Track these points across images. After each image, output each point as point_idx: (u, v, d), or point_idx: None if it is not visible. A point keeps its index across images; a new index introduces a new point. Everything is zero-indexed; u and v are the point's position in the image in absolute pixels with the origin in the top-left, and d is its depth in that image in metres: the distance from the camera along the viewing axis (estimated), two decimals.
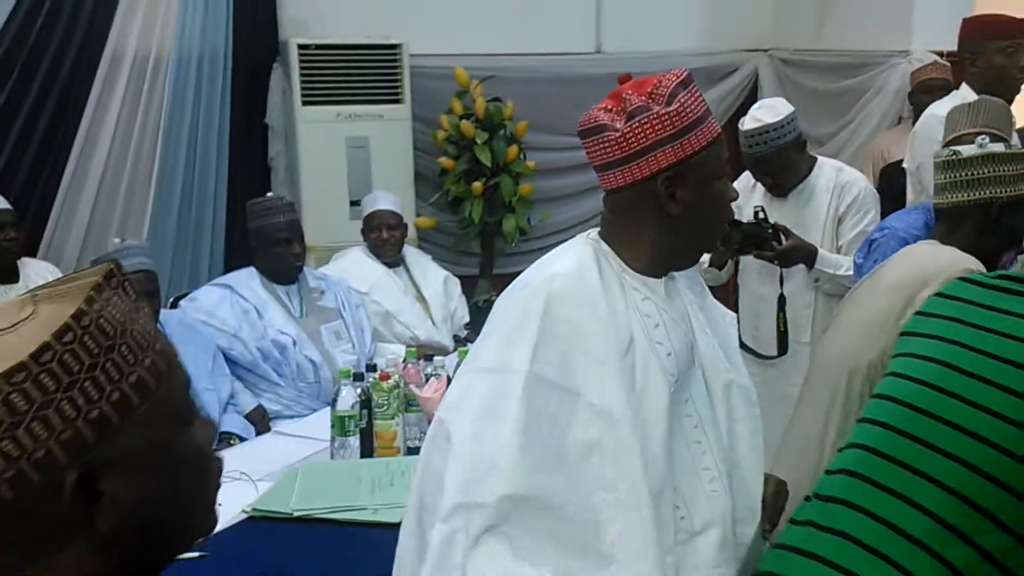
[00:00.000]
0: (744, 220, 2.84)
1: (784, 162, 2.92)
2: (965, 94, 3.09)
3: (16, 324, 0.73)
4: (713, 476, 1.45)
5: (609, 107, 1.41)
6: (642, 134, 1.37)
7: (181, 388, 0.82)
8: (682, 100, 1.38)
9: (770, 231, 2.82)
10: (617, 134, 1.38)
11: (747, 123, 2.87)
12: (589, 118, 1.42)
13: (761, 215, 2.83)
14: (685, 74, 1.40)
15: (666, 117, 1.37)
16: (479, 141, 4.49)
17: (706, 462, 1.45)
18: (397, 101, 4.44)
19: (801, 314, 2.97)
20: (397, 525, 2.14)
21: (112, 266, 0.81)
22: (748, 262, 3.06)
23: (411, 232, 4.10)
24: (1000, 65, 3.13)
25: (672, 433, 1.39)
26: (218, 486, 0.88)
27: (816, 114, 4.72)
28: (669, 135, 1.37)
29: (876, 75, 4.45)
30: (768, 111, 2.89)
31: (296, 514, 2.23)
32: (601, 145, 1.40)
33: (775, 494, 1.57)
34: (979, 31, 3.21)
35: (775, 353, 2.93)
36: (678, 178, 1.39)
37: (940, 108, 2.97)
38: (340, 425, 2.51)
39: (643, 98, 1.38)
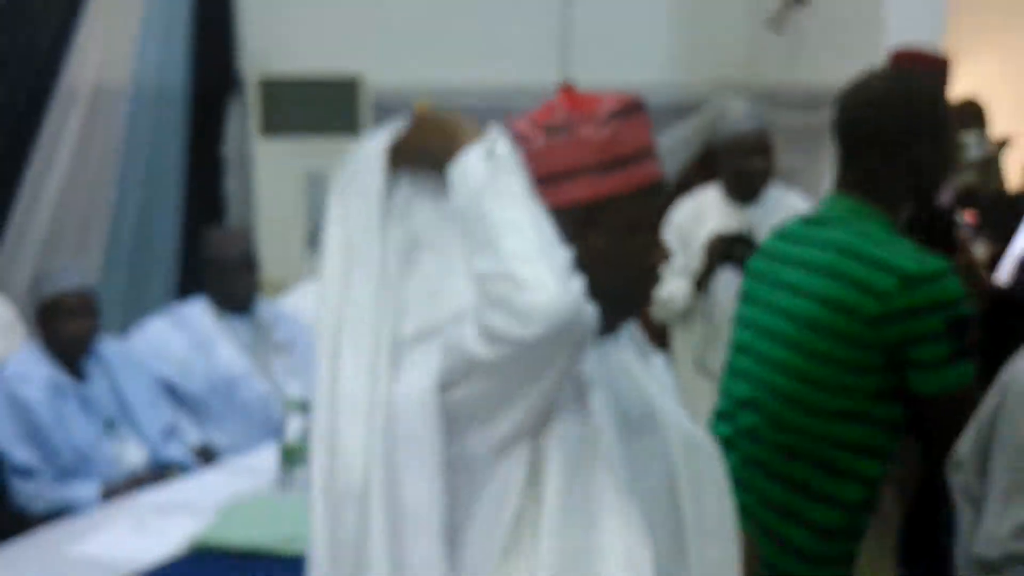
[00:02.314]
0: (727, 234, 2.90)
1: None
2: None
3: None
4: None
5: (536, 119, 1.19)
6: (560, 155, 1.15)
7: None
8: (618, 128, 1.16)
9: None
10: (533, 149, 1.16)
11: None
12: (513, 126, 1.20)
13: (747, 230, 2.92)
14: (632, 100, 1.19)
15: (593, 143, 1.15)
16: None
17: None
18: (356, 133, 4.42)
19: None
20: None
21: None
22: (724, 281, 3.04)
23: None
24: None
25: None
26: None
27: (788, 149, 4.75)
28: (591, 164, 1.15)
29: None
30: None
31: (242, 547, 2.15)
32: (523, 157, 1.16)
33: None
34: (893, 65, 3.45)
35: None
36: (590, 218, 1.16)
37: None
38: (287, 456, 2.43)
39: (575, 115, 1.17)
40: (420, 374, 1.08)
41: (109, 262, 4.01)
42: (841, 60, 4.51)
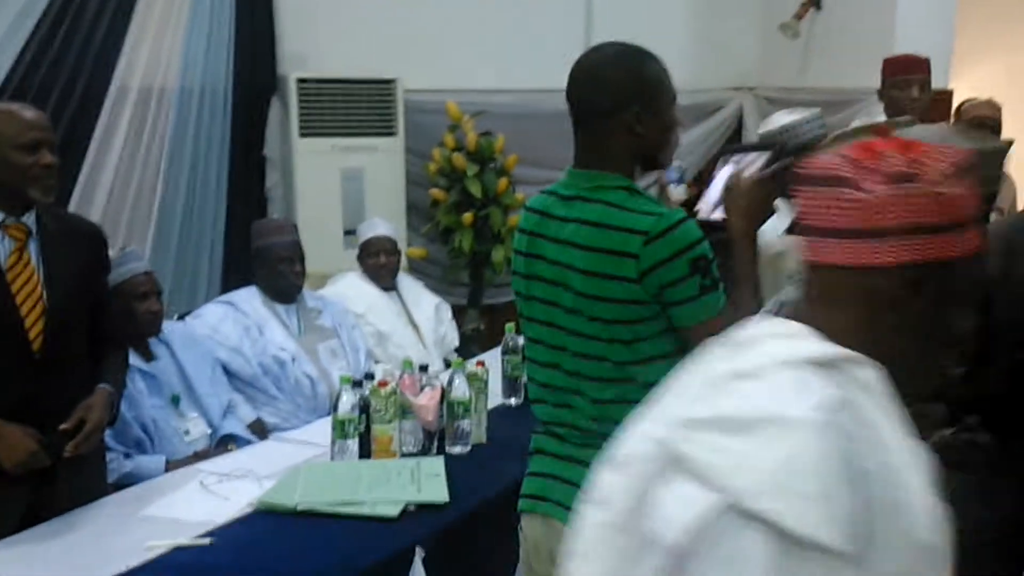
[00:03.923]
0: None
1: None
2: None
3: None
4: None
5: (854, 158, 1.04)
6: (901, 208, 1.00)
7: None
8: (964, 185, 1.03)
9: None
10: (866, 196, 1.00)
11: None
12: (820, 164, 1.05)
13: None
14: (971, 156, 1.06)
15: (942, 199, 1.01)
16: (470, 173, 4.66)
17: None
18: (391, 134, 4.62)
19: None
20: (392, 519, 2.29)
21: None
22: None
23: (403, 261, 4.26)
24: (895, 97, 3.78)
25: None
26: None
27: None
28: (934, 222, 1.01)
29: (859, 111, 4.64)
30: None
31: (300, 508, 2.35)
32: (829, 202, 1.02)
33: None
34: (882, 70, 3.87)
35: None
36: (918, 282, 1.02)
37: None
38: (340, 428, 2.63)
39: (916, 164, 1.02)
40: None
41: (156, 255, 4.17)
42: (854, 64, 4.70)
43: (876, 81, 3.90)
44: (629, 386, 1.77)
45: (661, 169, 1.96)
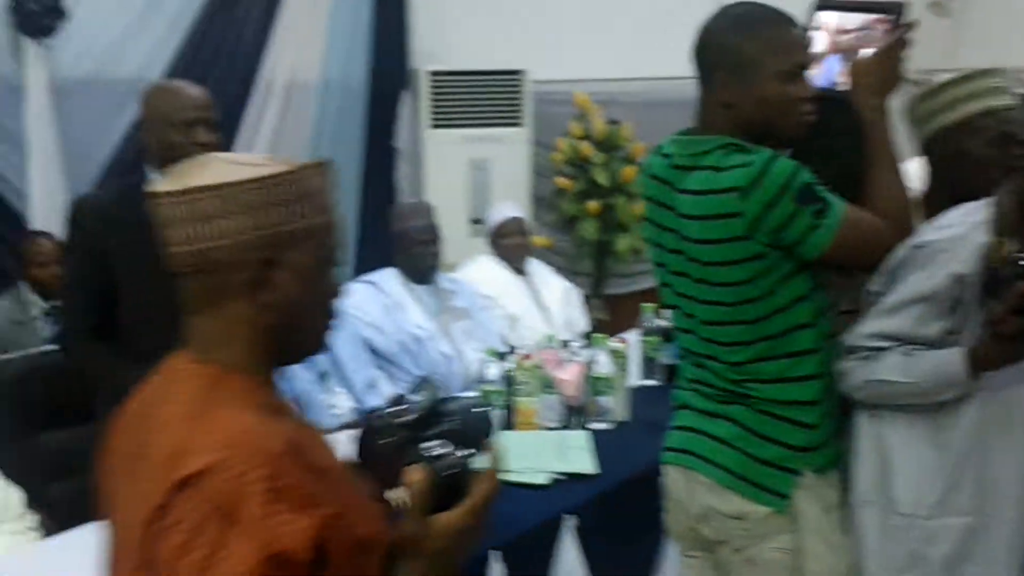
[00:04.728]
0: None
1: None
2: None
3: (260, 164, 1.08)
4: None
5: None
6: None
7: (335, 242, 1.14)
8: None
9: None
10: None
11: None
12: None
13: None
14: None
15: None
16: (596, 162, 4.70)
17: None
18: (517, 124, 4.69)
19: None
20: (537, 486, 2.33)
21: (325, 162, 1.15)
22: None
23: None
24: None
25: None
26: (331, 320, 1.17)
27: None
28: None
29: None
30: None
31: None
32: None
33: None
34: None
35: None
36: None
37: None
38: (485, 399, 2.69)
39: None
40: None
41: None
42: (1004, 43, 4.55)
43: None
44: (764, 344, 1.77)
45: (782, 146, 1.82)
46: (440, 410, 1.19)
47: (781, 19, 1.77)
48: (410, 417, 1.18)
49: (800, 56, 1.77)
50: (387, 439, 1.17)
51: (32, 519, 2.35)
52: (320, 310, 1.15)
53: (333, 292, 1.16)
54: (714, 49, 1.77)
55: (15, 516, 2.32)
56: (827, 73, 2.03)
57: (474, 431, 1.16)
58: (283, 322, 1.10)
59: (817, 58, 1.99)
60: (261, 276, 1.07)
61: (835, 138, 1.87)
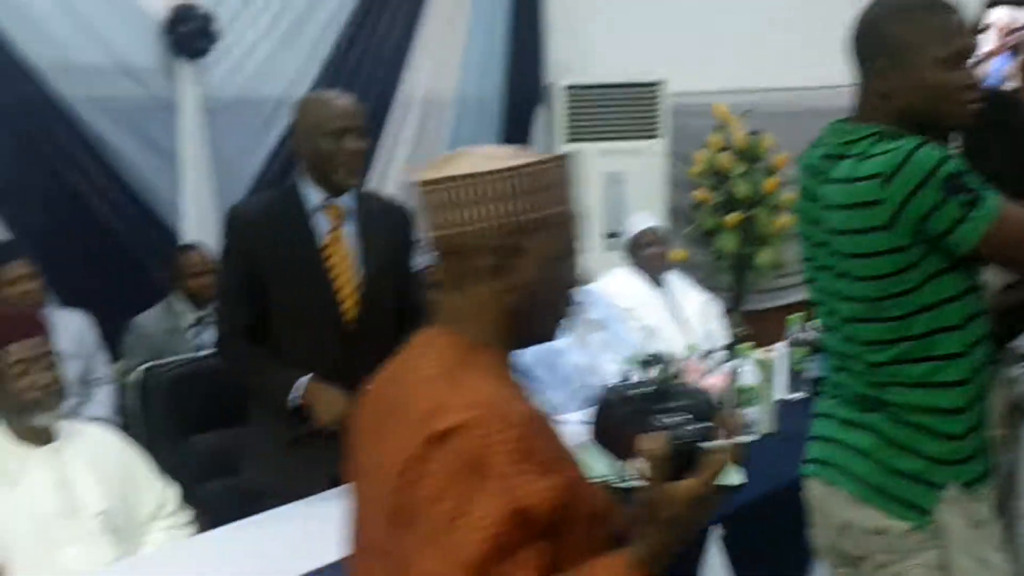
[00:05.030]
0: None
1: None
2: None
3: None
4: None
5: None
6: None
7: (575, 232, 1.20)
8: None
9: None
10: None
11: None
12: None
13: None
14: None
15: None
16: (736, 173, 4.60)
17: None
18: (654, 136, 4.64)
19: None
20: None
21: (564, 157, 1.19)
22: None
23: None
24: None
25: None
26: (568, 309, 1.22)
27: None
28: None
29: None
30: None
31: None
32: None
33: None
34: None
35: None
36: None
37: None
38: None
39: None
40: None
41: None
42: None
43: None
44: (907, 344, 1.68)
45: (945, 138, 1.75)
46: (672, 387, 1.23)
47: (940, 5, 1.71)
48: (647, 389, 1.22)
49: (961, 42, 1.70)
50: (624, 409, 1.21)
51: (187, 515, 2.43)
52: (558, 297, 1.20)
53: (571, 281, 1.21)
54: (872, 37, 1.72)
55: (172, 512, 2.40)
56: (996, 72, 1.94)
57: (706, 408, 1.19)
58: (523, 306, 1.15)
59: (987, 56, 1.91)
60: (506, 261, 1.12)
61: (1006, 136, 1.78)
